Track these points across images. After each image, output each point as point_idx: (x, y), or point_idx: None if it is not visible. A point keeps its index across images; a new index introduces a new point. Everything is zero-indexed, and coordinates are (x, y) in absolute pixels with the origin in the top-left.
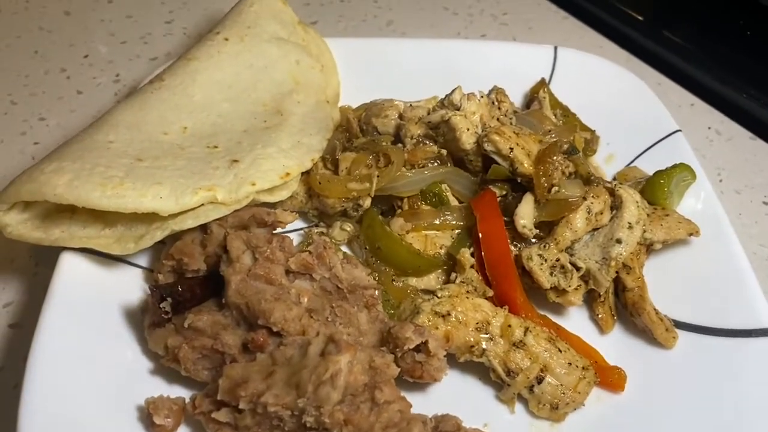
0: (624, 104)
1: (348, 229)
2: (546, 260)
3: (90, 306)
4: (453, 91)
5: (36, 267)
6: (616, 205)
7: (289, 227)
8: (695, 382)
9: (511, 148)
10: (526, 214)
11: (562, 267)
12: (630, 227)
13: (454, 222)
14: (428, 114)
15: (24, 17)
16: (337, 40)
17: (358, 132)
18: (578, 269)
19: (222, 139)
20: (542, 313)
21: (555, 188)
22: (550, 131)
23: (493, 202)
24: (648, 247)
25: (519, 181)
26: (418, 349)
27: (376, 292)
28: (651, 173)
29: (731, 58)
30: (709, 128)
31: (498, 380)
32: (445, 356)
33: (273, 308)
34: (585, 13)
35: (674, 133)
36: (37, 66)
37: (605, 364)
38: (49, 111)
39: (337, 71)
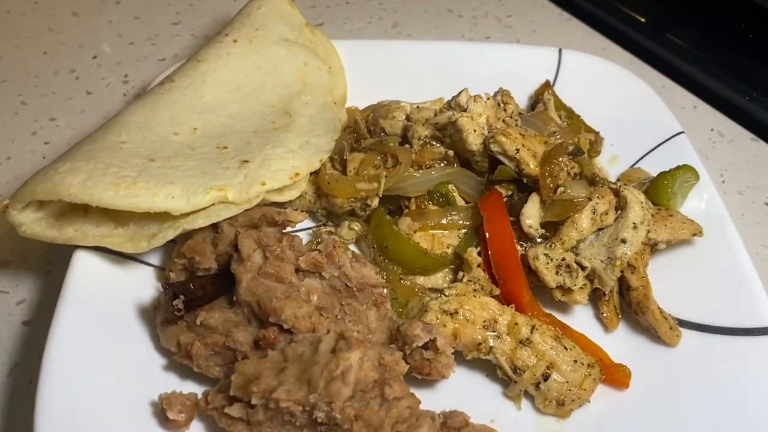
0: (628, 106)
1: (356, 228)
2: (552, 259)
3: (103, 303)
4: (460, 93)
5: (48, 265)
6: (621, 206)
7: (297, 227)
8: (699, 380)
9: (518, 150)
10: (532, 214)
11: (568, 266)
12: (635, 227)
13: (461, 222)
14: (435, 115)
15: (33, 18)
16: (343, 42)
17: (366, 133)
18: (583, 268)
19: (232, 139)
20: (548, 311)
21: (560, 189)
22: (554, 133)
23: (500, 202)
24: (652, 247)
25: (525, 181)
26: (426, 346)
27: (385, 290)
28: (655, 174)
29: (734, 61)
30: (712, 130)
31: (505, 377)
32: (452, 354)
33: (284, 306)
34: (589, 16)
35: (677, 135)
36: (46, 67)
37: (610, 361)
38: (59, 111)
39: (344, 73)
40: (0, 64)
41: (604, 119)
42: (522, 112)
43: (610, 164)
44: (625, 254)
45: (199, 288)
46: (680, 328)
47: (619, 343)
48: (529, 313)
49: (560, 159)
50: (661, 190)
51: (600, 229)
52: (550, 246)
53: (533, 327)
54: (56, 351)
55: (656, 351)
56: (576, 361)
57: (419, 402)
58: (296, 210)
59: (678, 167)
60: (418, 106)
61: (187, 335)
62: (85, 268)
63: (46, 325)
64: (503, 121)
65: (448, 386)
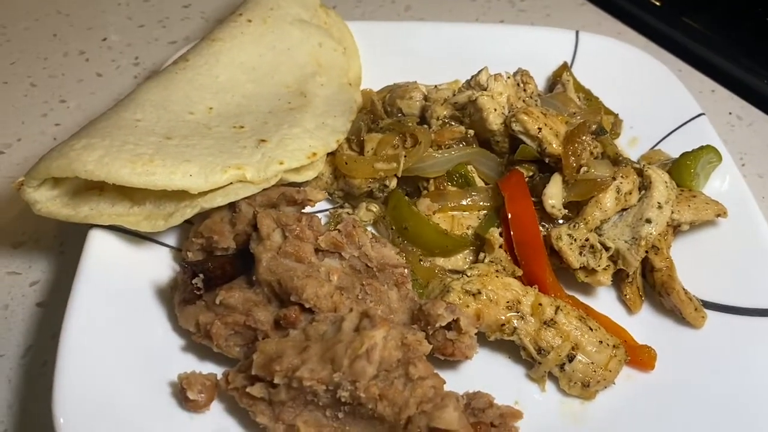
0: (646, 88)
1: (374, 209)
2: (575, 240)
3: (119, 284)
4: (480, 71)
5: (62, 246)
6: (645, 186)
7: (314, 208)
8: (725, 362)
9: (540, 129)
10: (554, 194)
11: (592, 247)
12: (659, 207)
13: (481, 203)
14: (454, 95)
15: (41, 1)
16: (358, 23)
17: (383, 113)
18: (607, 249)
19: (248, 119)
20: (569, 293)
21: (584, 168)
22: (575, 113)
23: (522, 182)
24: (675, 228)
25: (547, 161)
26: (449, 326)
27: (406, 270)
28: (675, 157)
29: (751, 43)
30: (730, 114)
31: (528, 358)
32: (475, 334)
33: (305, 285)
34: (603, 0)
35: (698, 117)
36: (56, 49)
37: (635, 343)
38: (70, 93)
39: (359, 54)
40: (9, 46)
41: (622, 102)
42: (540, 93)
43: (629, 146)
44: (651, 234)
45: (218, 267)
46: (705, 310)
47: (643, 326)
48: (553, 294)
49: (583, 138)
50: (684, 170)
51: (623, 210)
52: (574, 226)
53: (557, 307)
54: (73, 332)
55: (681, 333)
56: (601, 342)
57: (444, 382)
58: (315, 190)
59: (701, 147)
60: (436, 87)
61: (206, 315)
62: (100, 247)
63: (60, 306)
64: (523, 101)
65: (471, 367)
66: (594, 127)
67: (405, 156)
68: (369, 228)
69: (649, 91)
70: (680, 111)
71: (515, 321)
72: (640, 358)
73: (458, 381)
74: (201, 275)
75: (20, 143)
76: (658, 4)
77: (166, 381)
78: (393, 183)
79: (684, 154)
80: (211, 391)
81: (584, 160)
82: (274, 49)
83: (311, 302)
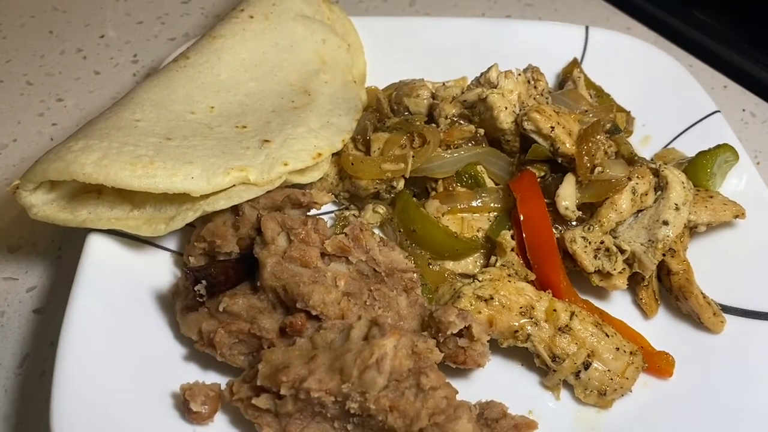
0: (659, 85)
1: (381, 211)
2: (590, 243)
3: (118, 290)
4: (489, 68)
5: (59, 251)
6: (661, 186)
7: (319, 211)
8: (744, 368)
9: (552, 127)
10: (568, 195)
11: (607, 250)
12: (677, 208)
13: (491, 204)
14: (462, 93)
15: None
16: (362, 18)
17: (389, 112)
18: (623, 252)
19: (250, 119)
20: (583, 298)
21: (598, 168)
22: (587, 111)
23: (534, 183)
24: (692, 230)
25: (560, 161)
26: (460, 334)
27: (415, 275)
28: (690, 155)
29: (764, 38)
30: (744, 110)
31: (543, 366)
32: (488, 341)
33: (312, 291)
34: None
35: (713, 114)
36: (52, 46)
37: (652, 349)
38: (67, 92)
39: (363, 51)
40: (4, 43)
41: (634, 99)
42: (551, 90)
43: (642, 145)
44: (668, 236)
45: (221, 273)
46: (724, 314)
47: (659, 331)
48: (567, 299)
49: (597, 137)
50: (700, 170)
51: (639, 211)
52: (588, 228)
53: (572, 313)
54: (71, 340)
55: (698, 338)
56: (618, 349)
57: (456, 392)
58: (321, 192)
59: (717, 146)
60: (444, 84)
61: (209, 322)
62: (99, 252)
63: (58, 313)
64: (534, 98)
65: (484, 376)
66: (608, 125)
67: (413, 156)
68: (376, 230)
69: (662, 88)
70: (694, 108)
71: (529, 327)
72: (658, 364)
73: (470, 390)
74: (204, 281)
75: (16, 144)
76: None
77: (168, 392)
78: (401, 184)
79: (700, 153)
80: (214, 402)
81: (598, 159)
82: (277, 46)
83: (318, 309)
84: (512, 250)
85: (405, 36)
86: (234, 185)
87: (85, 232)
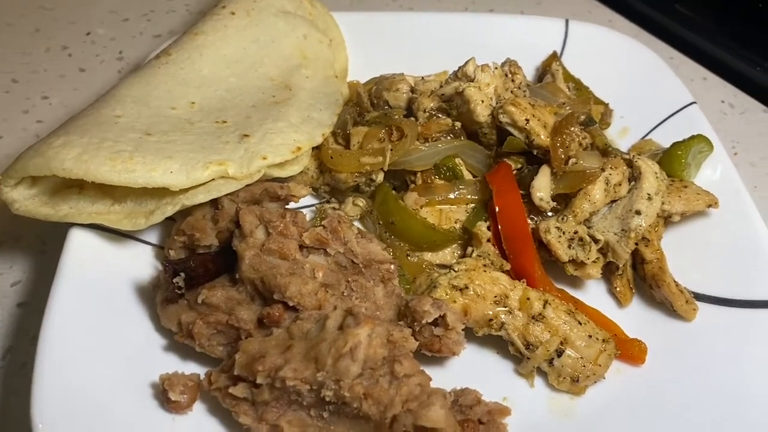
0: (637, 77)
1: (360, 204)
2: (564, 233)
3: (100, 283)
4: (467, 62)
5: (43, 245)
6: (635, 177)
7: (300, 203)
8: (717, 355)
9: (527, 120)
10: (543, 186)
11: (581, 239)
12: (649, 198)
13: (469, 196)
14: (441, 87)
15: None
16: (344, 14)
17: (369, 106)
18: (597, 241)
19: (231, 113)
20: (559, 287)
21: (572, 160)
22: (564, 104)
23: (510, 174)
24: (666, 219)
25: (535, 153)
26: (436, 322)
27: (392, 266)
28: (666, 146)
29: (743, 31)
30: (723, 102)
31: (517, 354)
32: (463, 330)
33: (289, 282)
34: None
35: (689, 105)
36: (38, 44)
37: (625, 336)
38: (52, 89)
39: (345, 46)
40: None
41: (612, 91)
42: (529, 83)
43: (620, 137)
44: (640, 226)
45: (200, 265)
46: (696, 302)
47: (633, 319)
48: (541, 288)
49: (572, 129)
50: (674, 160)
51: (613, 201)
52: (562, 219)
53: (546, 302)
54: (52, 333)
55: (672, 326)
56: (590, 336)
57: (430, 379)
58: (299, 185)
59: (692, 137)
60: (423, 78)
61: (188, 314)
62: (81, 246)
63: (41, 307)
64: (511, 91)
65: (459, 364)
66: (582, 117)
67: (391, 149)
68: (356, 223)
69: (640, 80)
70: (672, 100)
71: (503, 316)
72: (631, 352)
73: (446, 378)
74: (182, 274)
75: (2, 141)
76: None
77: (147, 382)
78: (380, 177)
79: (675, 144)
80: (193, 392)
81: (573, 151)
82: (258, 42)
83: (295, 300)
84: (488, 240)
85: (386, 31)
86: (213, 179)
87: (69, 226)
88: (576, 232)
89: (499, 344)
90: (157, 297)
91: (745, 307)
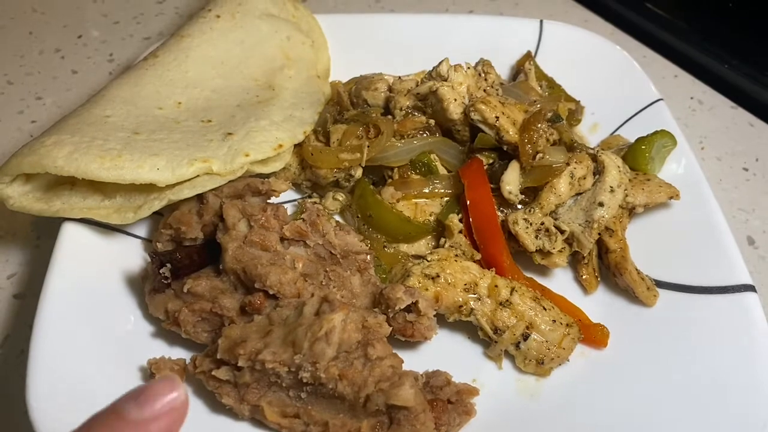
0: (608, 75)
1: (340, 198)
2: (531, 224)
3: (91, 275)
4: (440, 62)
5: (38, 240)
6: (599, 171)
7: (282, 198)
8: (676, 338)
9: (497, 117)
10: (512, 180)
11: (547, 230)
12: (612, 191)
13: (443, 190)
14: (417, 86)
15: None
16: (326, 16)
17: (349, 105)
18: (562, 232)
19: (216, 113)
20: (528, 275)
21: (539, 155)
22: (535, 101)
23: (481, 170)
24: (630, 211)
25: (505, 149)
26: (408, 309)
27: (368, 257)
28: (633, 141)
29: (713, 29)
30: (692, 98)
31: (486, 338)
32: (434, 316)
33: (269, 272)
34: None
35: (656, 102)
36: (31, 46)
37: (589, 321)
38: (45, 90)
39: (327, 47)
40: None
41: (584, 89)
42: (503, 82)
43: (590, 132)
44: (603, 217)
45: (186, 257)
46: (657, 289)
47: (599, 305)
48: (510, 277)
49: (539, 126)
50: (638, 155)
51: (578, 194)
52: (530, 211)
53: (513, 289)
54: (46, 321)
55: (634, 311)
56: (555, 321)
57: (402, 361)
58: (279, 180)
59: (655, 132)
60: (400, 78)
61: (174, 303)
62: (73, 240)
63: (37, 297)
64: (484, 90)
65: (431, 348)
66: (550, 114)
67: (368, 146)
68: (336, 217)
69: (610, 78)
70: (639, 97)
71: (472, 302)
72: (594, 336)
73: (419, 361)
74: (169, 265)
75: None
76: None
77: (137, 366)
78: (358, 172)
79: (639, 139)
80: (179, 375)
81: (540, 147)
82: (243, 44)
83: (275, 288)
84: (460, 232)
85: (368, 32)
86: (198, 175)
87: (61, 222)
88: (543, 224)
89: (469, 329)
90: (145, 287)
91: (702, 293)
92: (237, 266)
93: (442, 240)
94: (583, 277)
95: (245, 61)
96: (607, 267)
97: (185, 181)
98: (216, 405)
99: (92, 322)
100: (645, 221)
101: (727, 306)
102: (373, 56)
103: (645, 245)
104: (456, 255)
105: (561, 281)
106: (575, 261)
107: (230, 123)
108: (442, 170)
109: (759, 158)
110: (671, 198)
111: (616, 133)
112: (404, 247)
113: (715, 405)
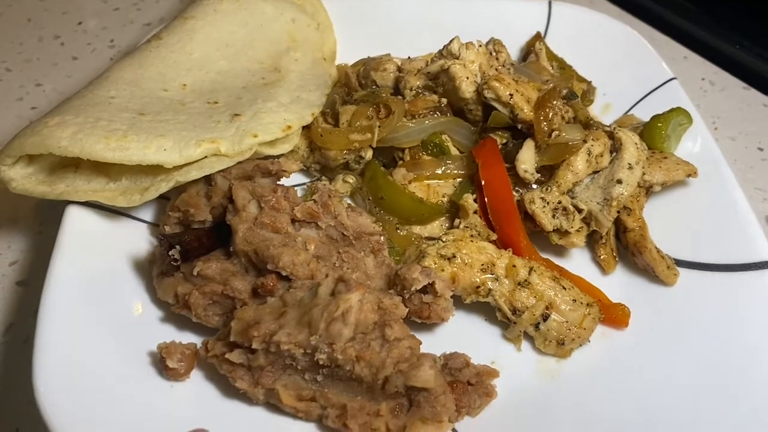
0: (619, 56)
1: (350, 181)
2: (548, 203)
3: (97, 259)
4: (451, 40)
5: (40, 226)
6: (616, 148)
7: (291, 182)
8: (698, 317)
9: (511, 95)
10: (527, 159)
11: (564, 209)
12: (630, 168)
13: (456, 171)
14: (427, 65)
15: None
16: None
17: (357, 86)
18: (580, 211)
19: (222, 95)
20: (545, 256)
21: (555, 132)
22: (547, 81)
23: (495, 149)
24: (647, 190)
25: (519, 127)
26: (425, 290)
27: (382, 238)
28: (647, 120)
29: (723, 10)
30: (703, 79)
31: (504, 319)
32: (451, 297)
33: (281, 253)
34: None
35: (669, 81)
36: (30, 33)
37: (609, 302)
38: (45, 77)
39: (333, 29)
40: None
41: (595, 69)
42: (514, 62)
43: (602, 113)
44: (622, 195)
45: (195, 239)
46: (677, 268)
47: (617, 286)
48: (527, 257)
49: (554, 103)
50: (655, 132)
51: (595, 172)
52: (546, 189)
53: (531, 268)
54: (51, 308)
55: (654, 291)
56: (575, 301)
57: (420, 343)
58: (290, 160)
59: (671, 110)
60: (410, 58)
61: (184, 286)
62: (77, 224)
63: (40, 284)
64: (495, 69)
65: (448, 330)
66: (565, 92)
67: (379, 126)
68: (346, 199)
69: (621, 58)
70: (652, 76)
71: (490, 283)
72: (614, 316)
73: (436, 343)
74: (177, 246)
75: None
76: None
77: (146, 351)
78: (369, 154)
79: (654, 117)
80: (190, 360)
81: (555, 124)
82: (247, 26)
83: (288, 270)
84: (475, 212)
85: (374, 15)
86: (206, 157)
87: (65, 206)
88: (560, 203)
89: (487, 310)
90: (153, 271)
91: (723, 271)
92: (248, 248)
93: (457, 221)
94: (601, 257)
95: (250, 43)
96: (625, 247)
97: (193, 162)
98: (229, 389)
99: (99, 306)
100: (662, 200)
101: (749, 283)
102: (379, 40)
103: (662, 224)
104: (472, 235)
105: (578, 262)
106: (592, 241)
107: (237, 104)
108: (454, 151)
109: None
110: (689, 176)
111: (628, 114)
112: (417, 229)
113: (739, 382)
